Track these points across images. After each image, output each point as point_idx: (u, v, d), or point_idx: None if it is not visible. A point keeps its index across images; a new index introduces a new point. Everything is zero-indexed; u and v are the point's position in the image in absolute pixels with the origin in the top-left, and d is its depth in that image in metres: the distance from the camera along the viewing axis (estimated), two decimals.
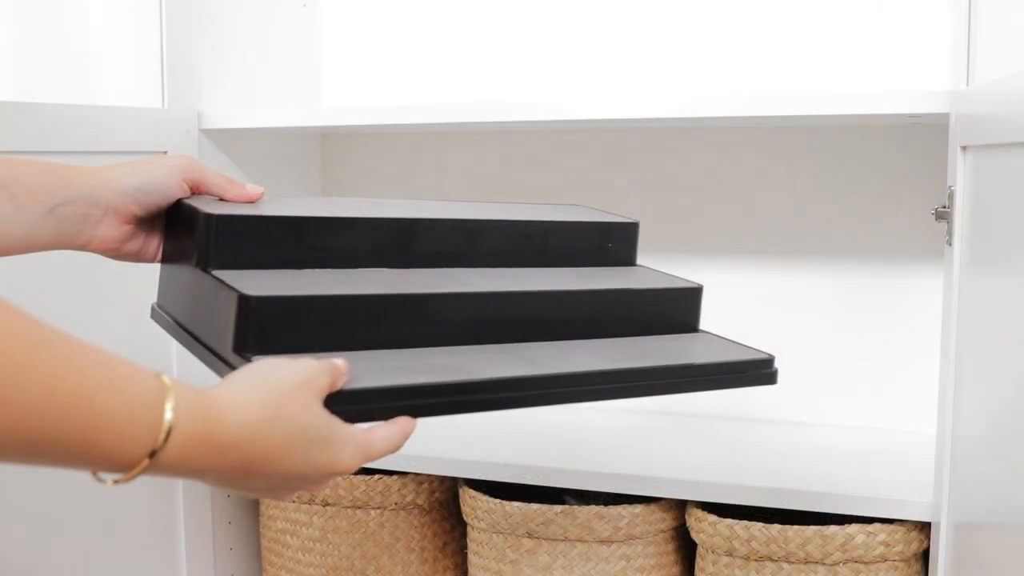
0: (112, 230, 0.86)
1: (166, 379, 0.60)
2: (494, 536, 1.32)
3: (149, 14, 1.40)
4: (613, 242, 1.02)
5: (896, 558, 1.18)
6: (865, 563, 1.17)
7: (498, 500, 1.30)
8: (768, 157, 1.50)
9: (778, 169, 1.49)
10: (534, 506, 1.29)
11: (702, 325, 1.01)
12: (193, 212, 0.84)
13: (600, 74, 1.52)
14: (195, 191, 0.88)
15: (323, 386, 0.69)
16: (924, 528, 1.19)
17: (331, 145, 1.71)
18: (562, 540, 1.28)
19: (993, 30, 1.10)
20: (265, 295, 0.77)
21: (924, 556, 1.22)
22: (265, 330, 0.76)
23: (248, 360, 0.74)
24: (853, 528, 1.17)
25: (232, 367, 0.74)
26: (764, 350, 0.96)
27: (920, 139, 1.41)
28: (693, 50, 1.48)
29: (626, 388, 0.87)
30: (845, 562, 1.17)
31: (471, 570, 1.37)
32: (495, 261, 0.96)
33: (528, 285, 0.91)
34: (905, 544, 1.18)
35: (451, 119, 1.35)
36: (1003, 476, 0.90)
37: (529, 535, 1.29)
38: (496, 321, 0.88)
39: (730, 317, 1.52)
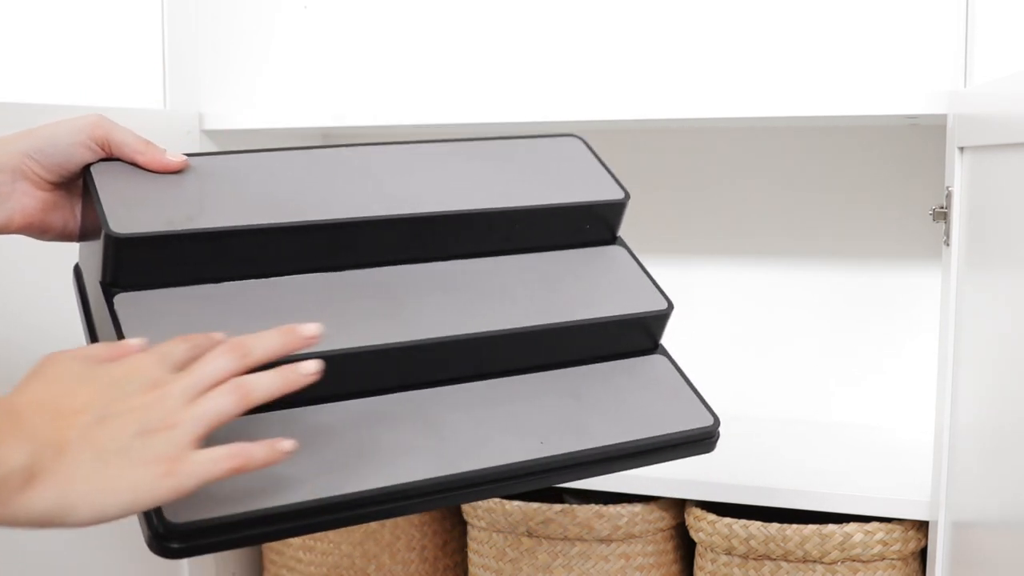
0: (28, 198, 0.77)
1: None
2: (494, 535, 1.33)
3: (150, 14, 1.40)
4: (591, 223, 0.90)
5: (894, 557, 1.18)
6: (863, 562, 1.18)
7: (498, 499, 1.31)
8: (766, 157, 1.50)
9: (776, 169, 1.50)
10: (534, 505, 1.29)
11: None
12: (98, 205, 0.73)
13: (599, 75, 1.53)
14: (107, 152, 0.77)
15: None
16: (922, 527, 1.19)
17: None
18: (561, 539, 1.28)
19: (991, 31, 1.11)
20: None
21: (922, 555, 1.23)
22: None
23: None
24: (851, 527, 1.18)
25: None
26: (711, 408, 0.86)
27: (918, 140, 1.42)
28: (691, 50, 1.48)
29: (539, 479, 0.78)
30: (843, 561, 1.18)
31: (471, 569, 1.37)
32: (451, 252, 0.85)
33: (455, 324, 0.79)
34: (903, 543, 1.18)
35: (450, 119, 1.36)
36: (1001, 475, 0.90)
37: (529, 534, 1.29)
38: (410, 372, 0.79)
39: (729, 317, 1.53)
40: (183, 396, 0.62)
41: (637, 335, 0.87)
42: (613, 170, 0.93)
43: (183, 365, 0.65)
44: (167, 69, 1.41)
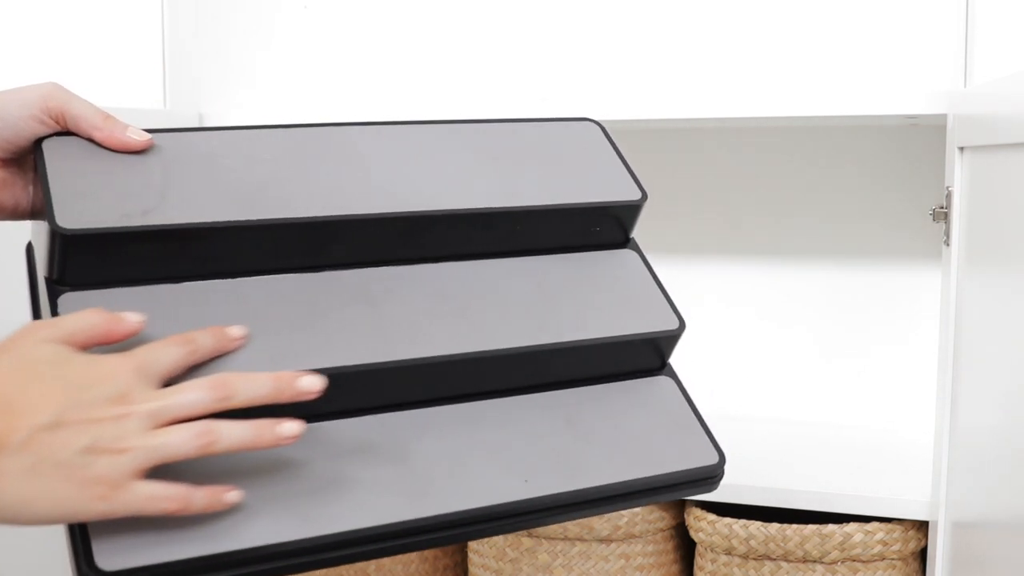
0: None
1: None
2: None
3: (150, 14, 1.40)
4: (603, 225, 0.81)
5: (894, 557, 1.18)
6: (863, 562, 1.18)
7: None
8: (766, 157, 1.50)
9: (777, 169, 1.50)
10: None
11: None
12: (46, 193, 0.66)
13: (598, 76, 1.53)
14: (62, 125, 0.70)
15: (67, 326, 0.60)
16: (922, 527, 1.19)
17: None
18: (561, 539, 1.28)
19: (991, 31, 1.11)
20: None
21: (922, 555, 1.23)
22: None
23: None
24: (851, 527, 1.18)
25: None
26: (717, 443, 0.77)
27: (918, 140, 1.42)
28: (691, 51, 1.48)
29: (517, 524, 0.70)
30: (843, 561, 1.18)
31: (471, 569, 1.37)
32: (442, 253, 0.76)
33: (439, 341, 0.70)
34: (903, 543, 1.18)
35: (450, 117, 1.36)
36: (1001, 475, 0.90)
37: (529, 534, 1.29)
38: (385, 393, 0.70)
39: (728, 316, 1.53)
40: (146, 421, 0.57)
41: (642, 354, 0.79)
42: (630, 162, 0.85)
43: (166, 378, 0.60)
44: (167, 69, 1.41)
